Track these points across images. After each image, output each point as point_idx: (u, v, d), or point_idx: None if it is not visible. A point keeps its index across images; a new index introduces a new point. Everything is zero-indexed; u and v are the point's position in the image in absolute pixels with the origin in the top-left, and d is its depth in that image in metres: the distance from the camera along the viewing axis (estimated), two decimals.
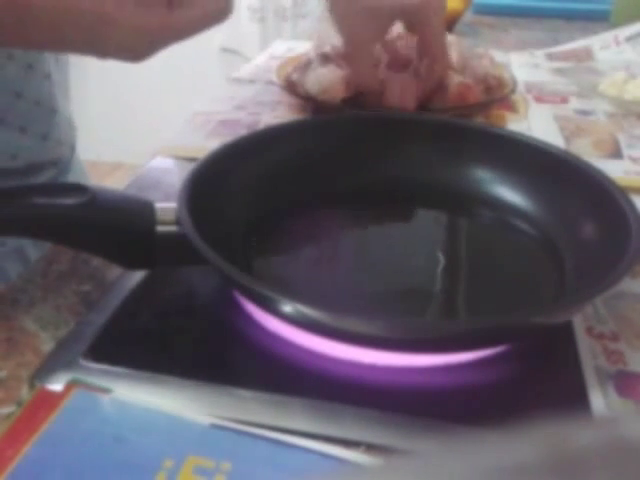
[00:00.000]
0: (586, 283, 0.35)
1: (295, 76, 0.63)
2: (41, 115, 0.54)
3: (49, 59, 0.54)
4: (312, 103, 0.63)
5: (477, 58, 0.69)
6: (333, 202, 0.46)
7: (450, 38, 0.72)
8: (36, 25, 0.35)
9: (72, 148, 0.62)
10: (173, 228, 0.35)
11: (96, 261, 0.40)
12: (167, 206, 0.36)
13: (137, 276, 0.38)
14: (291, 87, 0.64)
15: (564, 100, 0.70)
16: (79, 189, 0.35)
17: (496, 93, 0.65)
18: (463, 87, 0.61)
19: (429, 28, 0.59)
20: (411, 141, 0.47)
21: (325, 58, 0.63)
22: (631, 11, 0.93)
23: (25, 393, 0.31)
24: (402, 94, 0.60)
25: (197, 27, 0.37)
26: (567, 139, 0.60)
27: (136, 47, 0.36)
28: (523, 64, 0.83)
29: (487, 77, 0.66)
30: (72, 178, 0.62)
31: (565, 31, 0.99)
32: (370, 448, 0.28)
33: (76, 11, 0.34)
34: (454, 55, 0.67)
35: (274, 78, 0.67)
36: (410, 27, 0.60)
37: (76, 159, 0.64)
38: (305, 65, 0.63)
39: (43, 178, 0.57)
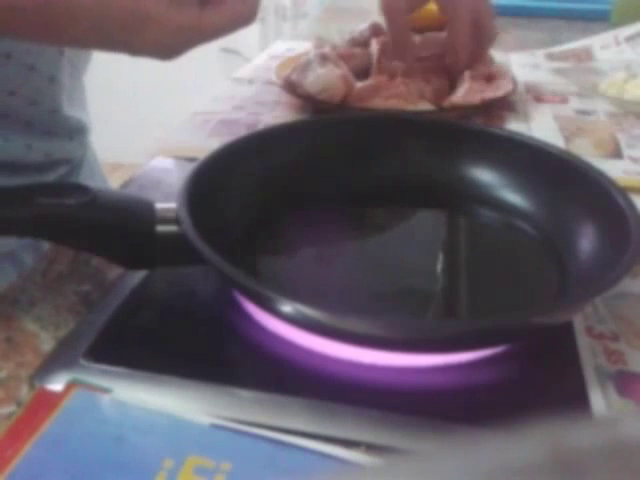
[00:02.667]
0: (586, 283, 0.35)
1: (294, 76, 0.63)
2: (45, 114, 0.55)
3: (64, 67, 0.55)
4: (312, 103, 0.63)
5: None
6: (333, 202, 0.46)
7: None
8: (75, 22, 0.35)
9: (84, 147, 0.62)
10: (173, 228, 0.35)
11: (96, 261, 0.40)
12: (167, 206, 0.36)
13: (137, 276, 0.38)
14: (291, 87, 0.64)
15: (564, 100, 0.70)
16: (79, 189, 0.35)
17: (496, 81, 0.65)
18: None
19: (455, 16, 0.63)
20: (411, 141, 0.47)
21: (324, 58, 0.63)
22: (631, 11, 0.93)
23: (25, 393, 0.31)
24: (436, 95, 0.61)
25: (225, 29, 0.38)
26: (567, 139, 0.60)
27: (168, 45, 0.37)
28: (523, 64, 0.83)
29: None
30: (85, 174, 0.62)
31: (565, 31, 0.99)
32: (370, 448, 0.28)
33: (116, 8, 0.35)
34: None
35: (274, 78, 0.67)
36: (441, 10, 0.65)
37: (90, 158, 0.64)
38: (304, 65, 0.63)
39: (57, 175, 0.58)
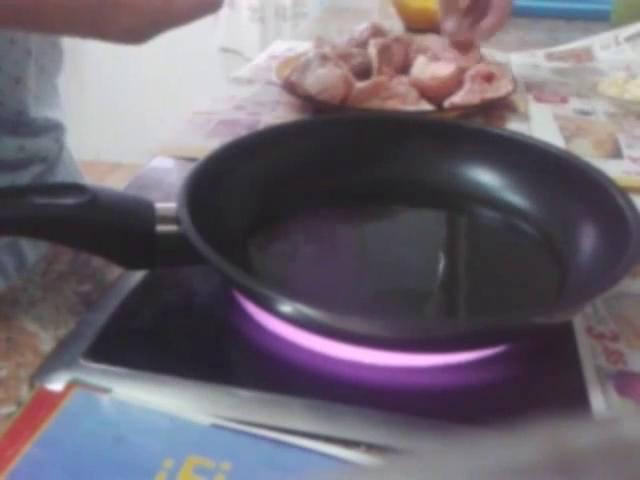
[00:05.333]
0: (586, 283, 0.35)
1: (294, 77, 0.63)
2: (10, 115, 0.55)
3: (31, 69, 0.55)
4: (312, 103, 0.63)
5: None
6: (333, 202, 0.46)
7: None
8: (46, 8, 0.36)
9: (58, 144, 0.63)
10: (173, 228, 0.35)
11: (96, 261, 0.40)
12: (167, 206, 0.36)
13: (137, 276, 0.38)
14: (291, 87, 0.64)
15: (564, 100, 0.70)
16: (79, 189, 0.35)
17: (498, 85, 0.65)
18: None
19: None
20: (411, 141, 0.47)
21: (324, 58, 0.63)
22: (631, 11, 0.93)
23: (25, 393, 0.31)
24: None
25: (192, 15, 0.39)
26: (567, 139, 0.60)
27: (139, 30, 0.38)
28: (523, 64, 0.83)
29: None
30: (61, 173, 0.62)
31: (565, 31, 0.99)
32: (370, 448, 0.28)
33: None
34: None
35: (274, 78, 0.67)
36: None
37: (65, 156, 0.64)
38: (304, 65, 0.63)
39: (32, 173, 0.58)
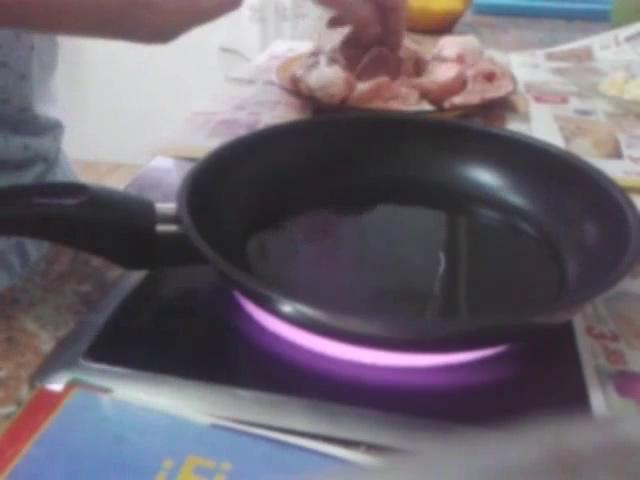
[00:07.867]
0: (586, 283, 0.35)
1: (300, 72, 0.63)
2: (14, 113, 0.55)
3: (34, 64, 0.55)
4: (312, 103, 0.63)
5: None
6: (333, 202, 0.46)
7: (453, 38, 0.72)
8: (77, 9, 0.37)
9: (58, 143, 0.63)
10: (173, 228, 0.35)
11: (96, 261, 0.40)
12: (167, 206, 0.36)
13: (137, 276, 0.38)
14: (293, 83, 0.64)
15: (564, 100, 0.70)
16: (79, 189, 0.35)
17: (500, 84, 0.65)
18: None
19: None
20: (411, 141, 0.47)
21: (332, 60, 0.63)
22: (631, 11, 0.93)
23: (25, 393, 0.31)
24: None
25: (216, 12, 0.40)
26: (567, 139, 0.60)
27: (165, 29, 0.39)
28: (523, 64, 0.83)
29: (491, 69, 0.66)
30: (59, 174, 0.63)
31: (565, 31, 0.99)
32: (370, 448, 0.28)
33: None
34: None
35: (274, 78, 0.67)
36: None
37: (61, 157, 0.65)
38: (312, 64, 0.63)
39: (34, 173, 0.58)
